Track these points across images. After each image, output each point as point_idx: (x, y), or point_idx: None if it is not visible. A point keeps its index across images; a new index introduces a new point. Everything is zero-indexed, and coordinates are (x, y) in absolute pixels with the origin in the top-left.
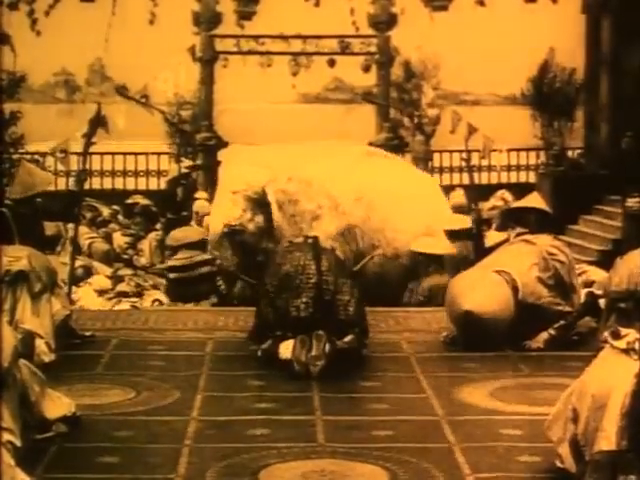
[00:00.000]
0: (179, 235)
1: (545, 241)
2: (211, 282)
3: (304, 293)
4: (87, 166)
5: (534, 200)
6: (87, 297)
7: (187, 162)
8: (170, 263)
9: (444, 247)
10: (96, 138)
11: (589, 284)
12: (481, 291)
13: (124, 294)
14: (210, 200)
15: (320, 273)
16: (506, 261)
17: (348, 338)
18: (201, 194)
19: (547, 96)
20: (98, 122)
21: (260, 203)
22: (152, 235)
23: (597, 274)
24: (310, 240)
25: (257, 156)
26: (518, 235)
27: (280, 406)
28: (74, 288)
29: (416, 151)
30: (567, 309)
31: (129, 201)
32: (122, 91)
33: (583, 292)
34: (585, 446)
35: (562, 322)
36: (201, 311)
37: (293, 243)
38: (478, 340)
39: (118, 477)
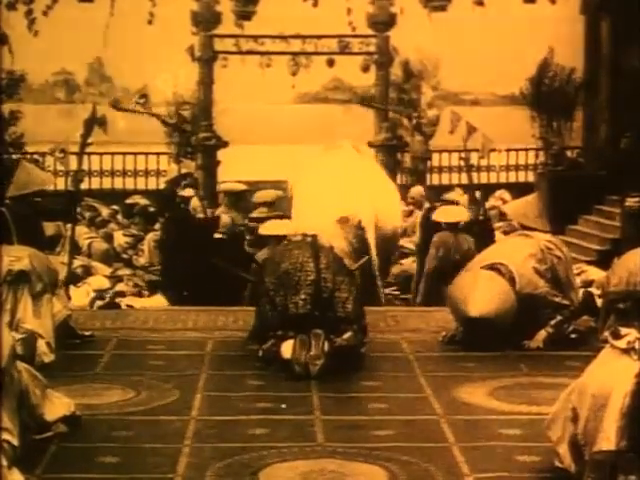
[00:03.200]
0: (260, 195)
1: (541, 236)
2: None
3: (303, 290)
4: (84, 166)
5: (516, 206)
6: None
7: (187, 163)
8: (253, 215)
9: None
10: (93, 138)
11: (588, 283)
12: (484, 294)
13: (121, 294)
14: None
15: (318, 271)
16: (503, 253)
17: (346, 335)
18: (188, 191)
19: (546, 96)
20: (93, 123)
21: None
22: (150, 235)
23: (596, 274)
24: (309, 238)
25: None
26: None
27: (280, 406)
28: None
29: (415, 151)
30: (564, 302)
31: (129, 201)
32: (116, 104)
33: (581, 291)
34: (585, 446)
35: (559, 318)
36: (201, 311)
37: (292, 241)
38: (486, 340)
39: (117, 477)
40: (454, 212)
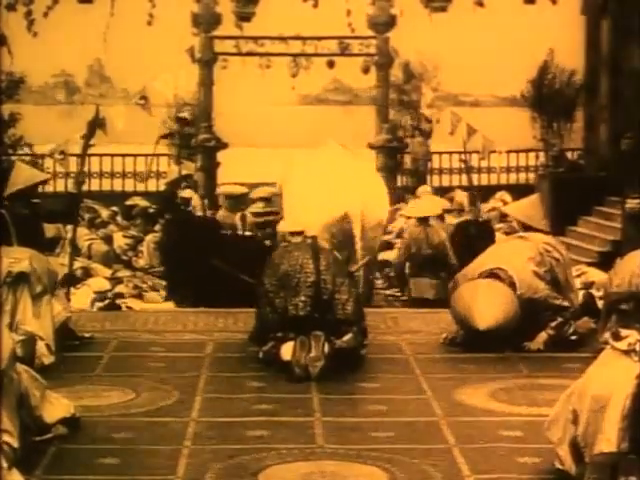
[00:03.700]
0: (257, 190)
1: (540, 238)
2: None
3: (302, 292)
4: (86, 168)
5: (520, 207)
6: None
7: (187, 164)
8: (250, 210)
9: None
10: (95, 140)
11: (588, 285)
12: (489, 305)
13: (121, 295)
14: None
15: (318, 272)
16: (501, 257)
17: (347, 337)
18: (188, 192)
19: (547, 97)
20: (96, 124)
21: None
22: (150, 237)
23: (596, 275)
24: (308, 240)
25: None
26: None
27: (280, 407)
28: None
29: (416, 153)
30: (565, 303)
31: (128, 202)
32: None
33: (581, 293)
34: (585, 447)
35: (559, 320)
36: (201, 312)
37: (291, 243)
38: (487, 343)
39: (117, 478)
40: (424, 207)
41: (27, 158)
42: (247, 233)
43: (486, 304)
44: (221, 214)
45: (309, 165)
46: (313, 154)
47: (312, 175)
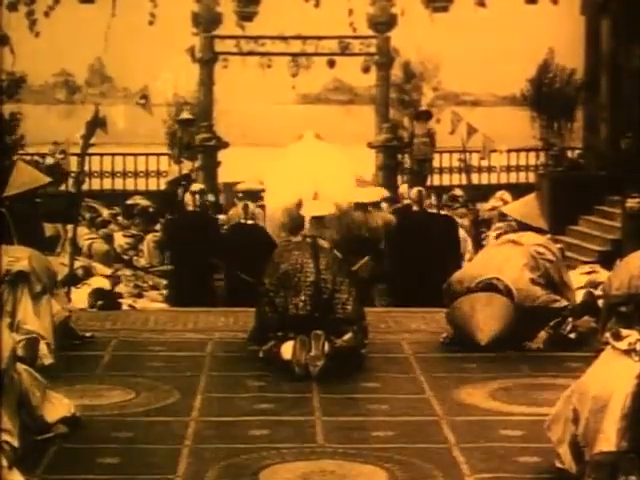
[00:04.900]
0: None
1: (531, 240)
2: None
3: (302, 291)
4: (86, 167)
5: (515, 206)
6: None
7: (188, 163)
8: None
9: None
10: (95, 139)
11: (596, 285)
12: (489, 320)
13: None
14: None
15: (318, 272)
16: (496, 266)
17: (347, 336)
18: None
19: (547, 96)
20: (96, 124)
21: None
22: (150, 236)
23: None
24: (308, 239)
25: None
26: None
27: (280, 407)
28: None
29: (416, 152)
30: (564, 303)
31: (129, 202)
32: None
33: (582, 292)
34: (585, 447)
35: (558, 319)
36: (201, 312)
37: (291, 242)
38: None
39: (118, 478)
40: (361, 194)
41: (28, 157)
42: (249, 222)
43: (486, 320)
44: (235, 209)
45: (285, 155)
46: (291, 146)
47: (284, 164)
